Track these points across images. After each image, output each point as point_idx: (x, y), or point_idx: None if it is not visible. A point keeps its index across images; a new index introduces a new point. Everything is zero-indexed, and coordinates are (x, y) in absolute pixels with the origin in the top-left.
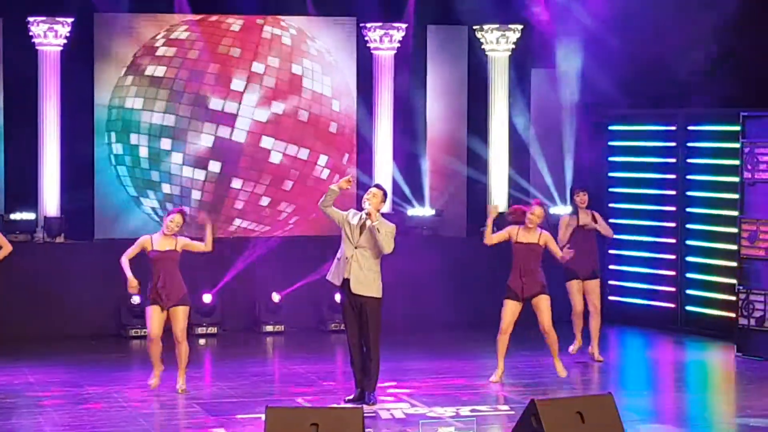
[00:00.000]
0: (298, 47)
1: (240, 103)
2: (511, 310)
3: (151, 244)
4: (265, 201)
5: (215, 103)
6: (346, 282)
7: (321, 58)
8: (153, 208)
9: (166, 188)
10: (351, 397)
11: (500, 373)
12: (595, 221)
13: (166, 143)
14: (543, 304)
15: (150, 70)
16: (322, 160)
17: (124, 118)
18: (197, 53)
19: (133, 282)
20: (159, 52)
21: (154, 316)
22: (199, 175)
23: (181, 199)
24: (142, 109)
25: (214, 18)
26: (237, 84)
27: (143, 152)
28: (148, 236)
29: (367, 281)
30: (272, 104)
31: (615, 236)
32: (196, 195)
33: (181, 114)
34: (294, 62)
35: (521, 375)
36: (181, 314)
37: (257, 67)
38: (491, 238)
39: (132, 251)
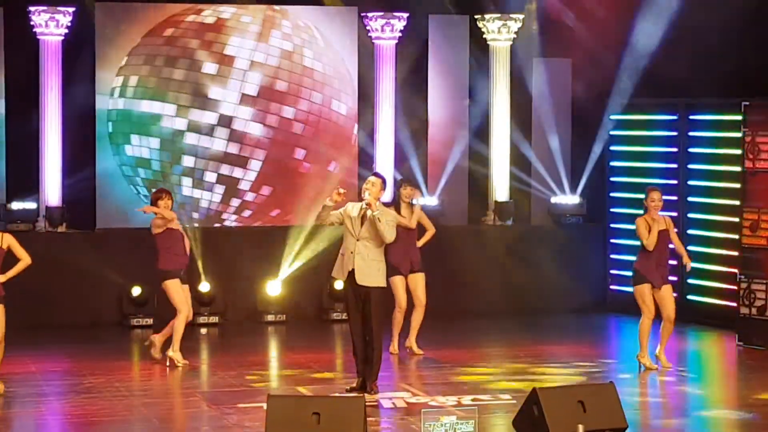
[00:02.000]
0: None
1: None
2: (651, 297)
3: None
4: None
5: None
6: (350, 273)
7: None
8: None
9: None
10: (353, 386)
11: (647, 355)
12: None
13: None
14: (669, 293)
15: (151, 59)
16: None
17: (125, 108)
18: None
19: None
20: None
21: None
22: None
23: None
24: (142, 99)
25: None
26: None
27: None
28: None
29: (371, 271)
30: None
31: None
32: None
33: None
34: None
35: (522, 363)
36: None
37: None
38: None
39: None
